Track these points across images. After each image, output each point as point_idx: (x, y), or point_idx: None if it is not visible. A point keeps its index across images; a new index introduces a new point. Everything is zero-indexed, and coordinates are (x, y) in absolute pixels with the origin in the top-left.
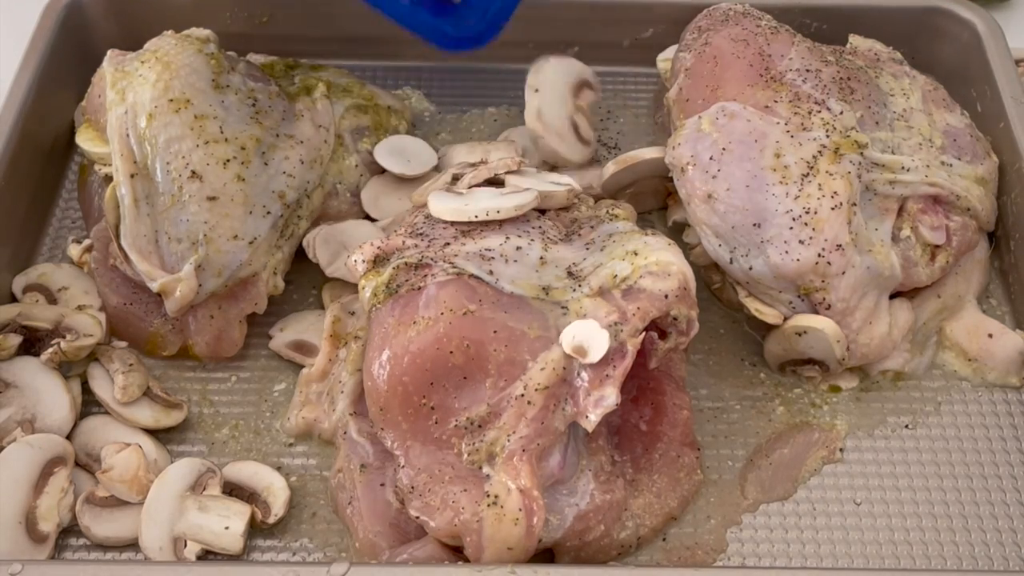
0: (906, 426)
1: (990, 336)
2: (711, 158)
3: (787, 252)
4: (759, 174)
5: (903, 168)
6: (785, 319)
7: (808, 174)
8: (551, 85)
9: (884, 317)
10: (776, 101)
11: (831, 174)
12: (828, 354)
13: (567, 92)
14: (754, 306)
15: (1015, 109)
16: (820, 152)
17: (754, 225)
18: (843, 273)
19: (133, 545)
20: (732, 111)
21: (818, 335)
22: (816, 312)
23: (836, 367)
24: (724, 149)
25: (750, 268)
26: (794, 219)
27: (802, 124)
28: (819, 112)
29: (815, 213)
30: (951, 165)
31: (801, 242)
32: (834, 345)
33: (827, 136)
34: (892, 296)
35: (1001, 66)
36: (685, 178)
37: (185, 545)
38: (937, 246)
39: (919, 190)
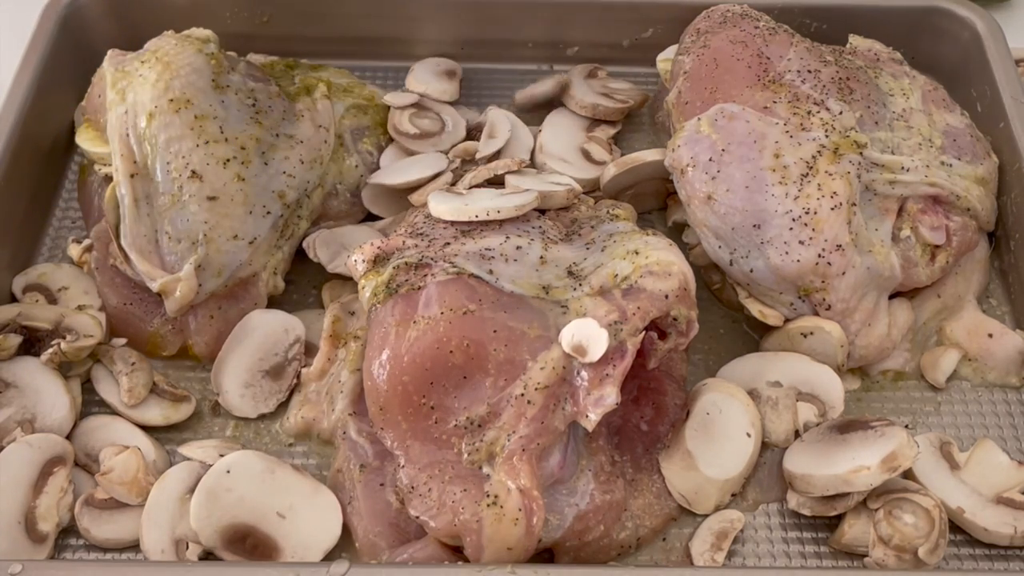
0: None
1: (990, 336)
2: (710, 159)
3: (787, 253)
4: (758, 175)
5: (903, 168)
6: (786, 320)
7: (807, 174)
8: (555, 127)
9: (883, 318)
10: (775, 102)
11: (830, 174)
12: (830, 358)
13: (577, 130)
14: (756, 308)
15: (1015, 109)
16: (819, 152)
17: (754, 226)
18: (843, 273)
19: (133, 546)
20: (731, 112)
21: (824, 337)
22: (816, 313)
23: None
24: (723, 150)
25: (750, 270)
26: (794, 220)
27: (801, 124)
28: (818, 112)
29: (815, 213)
30: (951, 165)
31: (801, 243)
32: (837, 349)
33: (826, 136)
34: (892, 296)
35: (1001, 66)
36: (685, 180)
37: (187, 547)
38: (937, 246)
39: (919, 190)
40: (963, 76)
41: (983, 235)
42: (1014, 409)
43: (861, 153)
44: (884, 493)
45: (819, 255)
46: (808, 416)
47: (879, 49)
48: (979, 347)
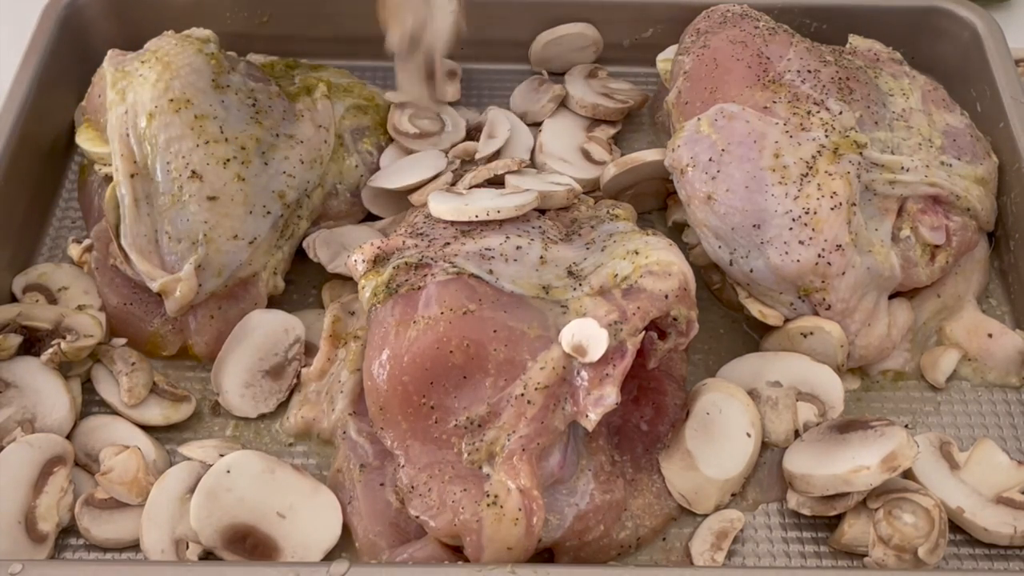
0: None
1: (990, 336)
2: (710, 159)
3: (787, 253)
4: (758, 175)
5: (903, 168)
6: (786, 320)
7: (807, 174)
8: (555, 127)
9: (883, 318)
10: (775, 102)
11: (830, 174)
12: (830, 358)
13: (577, 130)
14: (756, 308)
15: (1015, 109)
16: (819, 152)
17: (754, 226)
18: (843, 273)
19: (133, 546)
20: (731, 112)
21: (824, 337)
22: (816, 313)
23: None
24: (723, 150)
25: (750, 270)
26: (794, 220)
27: (801, 124)
28: (818, 112)
29: (815, 213)
30: (951, 165)
31: (801, 243)
32: (837, 349)
33: (826, 136)
34: (892, 296)
35: (1001, 66)
36: (685, 180)
37: (187, 547)
38: (937, 246)
39: (919, 190)
40: (963, 76)
41: (983, 235)
42: (1014, 409)
43: (861, 153)
44: (884, 493)
45: (819, 255)
46: (808, 416)
47: (879, 49)
48: (979, 347)
